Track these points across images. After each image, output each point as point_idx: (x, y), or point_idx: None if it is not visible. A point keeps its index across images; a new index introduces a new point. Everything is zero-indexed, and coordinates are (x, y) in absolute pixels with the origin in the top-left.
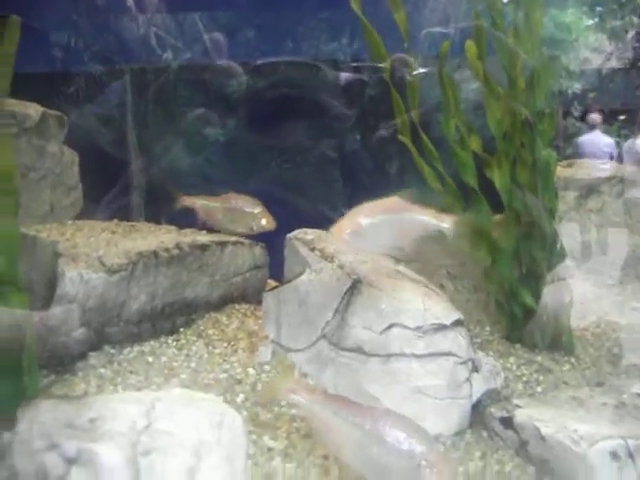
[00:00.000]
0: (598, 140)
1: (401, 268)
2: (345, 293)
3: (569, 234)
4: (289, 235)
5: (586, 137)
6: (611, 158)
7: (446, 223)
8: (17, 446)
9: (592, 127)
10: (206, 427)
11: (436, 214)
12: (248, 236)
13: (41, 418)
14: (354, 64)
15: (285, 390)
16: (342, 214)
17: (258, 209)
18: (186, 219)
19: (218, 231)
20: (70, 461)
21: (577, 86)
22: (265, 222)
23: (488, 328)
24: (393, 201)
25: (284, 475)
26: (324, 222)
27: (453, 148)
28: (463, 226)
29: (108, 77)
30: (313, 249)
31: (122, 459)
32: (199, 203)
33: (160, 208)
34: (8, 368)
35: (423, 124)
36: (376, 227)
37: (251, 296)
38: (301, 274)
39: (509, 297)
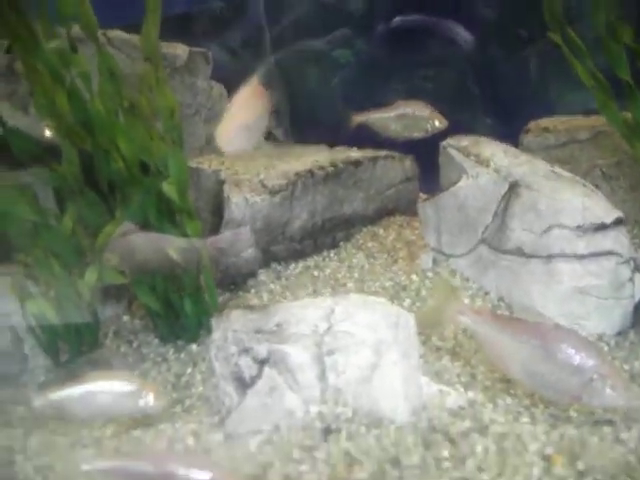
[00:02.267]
0: None
1: (557, 169)
2: (503, 196)
3: None
4: (443, 143)
5: None
6: None
7: None
8: (214, 352)
9: None
10: (383, 327)
11: None
12: (397, 149)
13: (233, 326)
14: None
15: (452, 313)
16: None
17: (428, 111)
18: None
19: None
20: (262, 362)
21: None
22: (438, 122)
23: None
24: (256, 87)
25: (453, 372)
26: (467, 131)
27: (605, 41)
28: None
29: (230, 12)
30: (468, 155)
31: (309, 358)
32: (372, 117)
33: (337, 129)
34: (190, 288)
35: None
36: (258, 117)
37: (405, 208)
38: (458, 180)
39: None
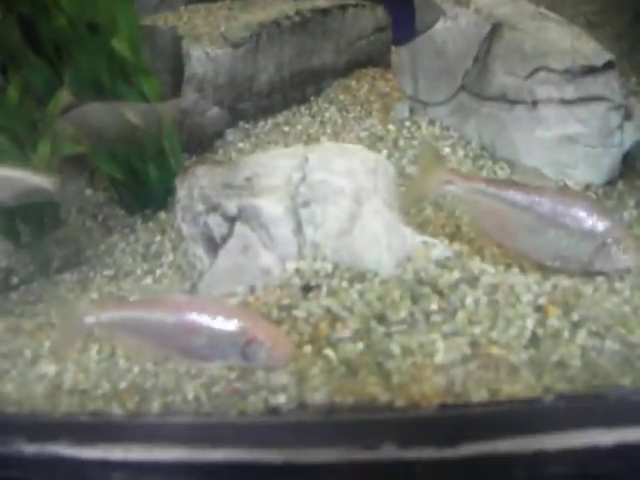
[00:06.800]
0: None
1: (543, 10)
2: (485, 38)
3: None
4: None
5: None
6: None
7: None
8: (180, 213)
9: None
10: (362, 174)
11: None
12: None
13: (199, 183)
14: None
15: (438, 182)
16: None
17: None
18: None
19: None
20: (233, 219)
21: None
22: None
23: (634, 79)
24: None
25: (437, 224)
26: None
27: None
28: None
29: None
30: None
31: (283, 211)
32: None
33: None
34: (153, 152)
35: None
36: None
37: (377, 59)
38: (436, 23)
39: None
